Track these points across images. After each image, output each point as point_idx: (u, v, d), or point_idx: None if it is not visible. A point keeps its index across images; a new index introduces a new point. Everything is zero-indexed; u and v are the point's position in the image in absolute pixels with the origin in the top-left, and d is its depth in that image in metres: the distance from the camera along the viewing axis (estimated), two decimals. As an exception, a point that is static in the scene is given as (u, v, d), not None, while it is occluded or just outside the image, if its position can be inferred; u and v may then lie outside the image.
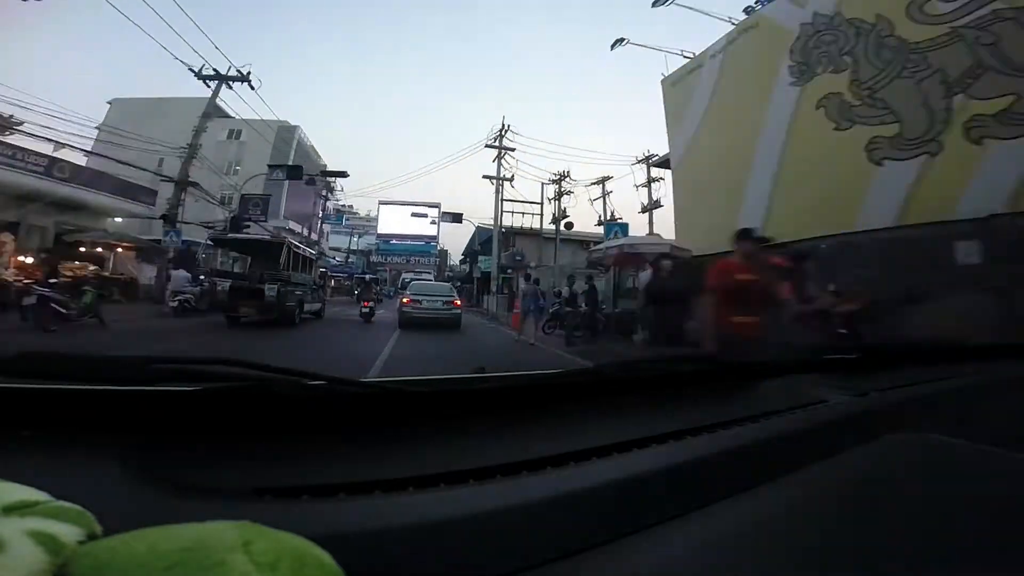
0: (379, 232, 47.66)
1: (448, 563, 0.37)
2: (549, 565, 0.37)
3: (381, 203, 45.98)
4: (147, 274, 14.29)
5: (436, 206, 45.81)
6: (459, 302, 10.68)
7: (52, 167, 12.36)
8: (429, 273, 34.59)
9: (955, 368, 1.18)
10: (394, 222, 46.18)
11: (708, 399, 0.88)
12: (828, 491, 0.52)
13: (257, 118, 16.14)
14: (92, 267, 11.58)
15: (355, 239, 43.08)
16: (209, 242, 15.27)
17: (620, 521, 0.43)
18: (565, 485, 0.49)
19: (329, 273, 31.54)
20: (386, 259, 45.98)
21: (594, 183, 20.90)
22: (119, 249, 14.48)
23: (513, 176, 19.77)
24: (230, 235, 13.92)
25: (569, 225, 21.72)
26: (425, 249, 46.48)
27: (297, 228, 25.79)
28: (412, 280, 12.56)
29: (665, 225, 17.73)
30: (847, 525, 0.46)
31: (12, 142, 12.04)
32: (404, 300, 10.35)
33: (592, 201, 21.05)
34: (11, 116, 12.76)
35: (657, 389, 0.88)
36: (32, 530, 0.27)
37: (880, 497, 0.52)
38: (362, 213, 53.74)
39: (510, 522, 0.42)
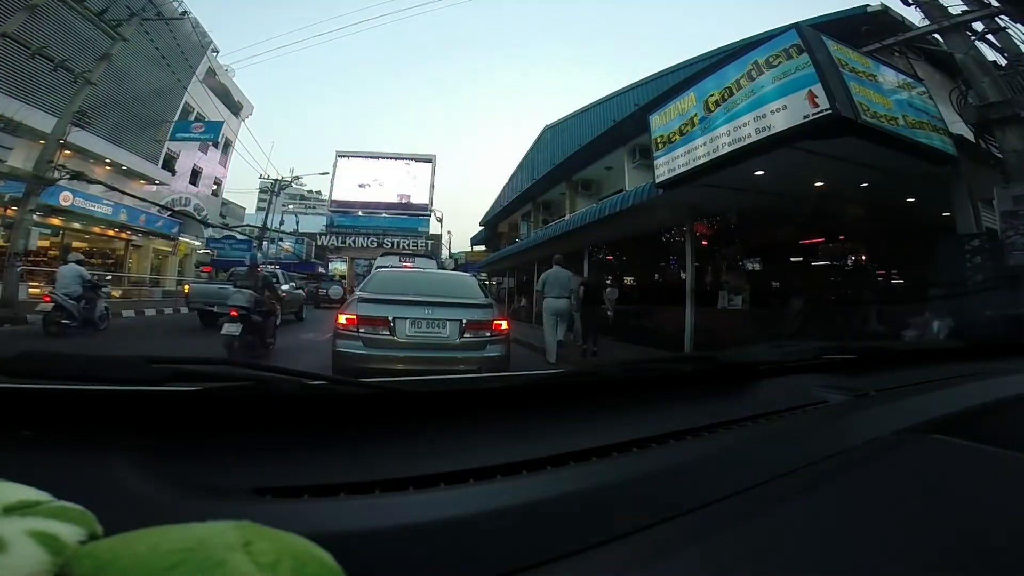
0: (334, 199, 30.26)
1: (448, 563, 0.37)
2: (549, 565, 0.37)
3: (339, 154, 30.26)
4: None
5: (429, 160, 31.36)
6: (503, 323, 4.25)
7: None
8: (431, 258, 15.78)
9: (955, 368, 1.18)
10: (359, 185, 30.09)
11: (708, 399, 0.88)
12: (828, 492, 0.52)
13: None
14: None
15: (281, 206, 26.83)
16: None
17: (619, 521, 0.43)
18: (565, 485, 0.49)
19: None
20: (344, 242, 29.03)
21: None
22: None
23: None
24: None
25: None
26: (410, 225, 29.80)
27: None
28: (383, 270, 5.62)
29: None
30: (847, 525, 0.46)
31: None
32: (343, 320, 3.90)
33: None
34: None
35: (657, 389, 0.88)
36: (33, 530, 0.27)
37: (880, 498, 0.52)
38: (325, 193, 36.25)
39: (510, 522, 0.42)
